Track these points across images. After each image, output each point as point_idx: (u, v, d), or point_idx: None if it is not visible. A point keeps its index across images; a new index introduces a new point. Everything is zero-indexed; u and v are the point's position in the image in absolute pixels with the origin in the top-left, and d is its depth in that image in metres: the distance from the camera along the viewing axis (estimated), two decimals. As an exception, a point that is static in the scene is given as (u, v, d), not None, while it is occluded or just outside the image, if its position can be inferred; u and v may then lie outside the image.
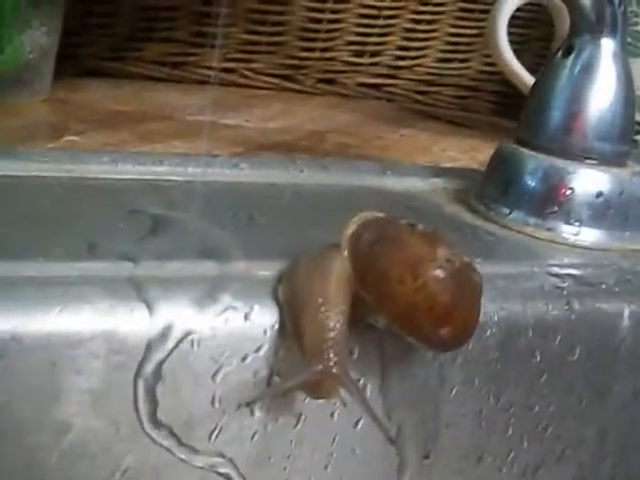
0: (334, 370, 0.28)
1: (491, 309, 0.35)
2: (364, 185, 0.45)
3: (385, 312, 0.30)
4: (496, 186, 0.43)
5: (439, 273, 0.29)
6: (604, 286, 0.37)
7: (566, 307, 0.36)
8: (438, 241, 0.30)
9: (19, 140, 0.45)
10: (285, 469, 0.33)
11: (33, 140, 0.45)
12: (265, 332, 0.31)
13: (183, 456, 0.31)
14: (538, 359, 0.36)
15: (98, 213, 0.36)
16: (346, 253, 0.31)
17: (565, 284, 0.37)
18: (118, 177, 0.40)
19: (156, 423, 0.30)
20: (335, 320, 0.29)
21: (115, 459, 0.30)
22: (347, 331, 0.30)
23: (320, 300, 0.29)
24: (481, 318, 0.34)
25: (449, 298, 0.30)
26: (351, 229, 0.31)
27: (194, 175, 0.42)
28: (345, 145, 0.56)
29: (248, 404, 0.31)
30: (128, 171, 0.41)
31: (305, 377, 0.29)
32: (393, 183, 0.46)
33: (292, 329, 0.30)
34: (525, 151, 0.42)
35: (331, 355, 0.28)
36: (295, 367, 0.30)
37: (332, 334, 0.29)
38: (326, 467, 0.33)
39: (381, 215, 0.32)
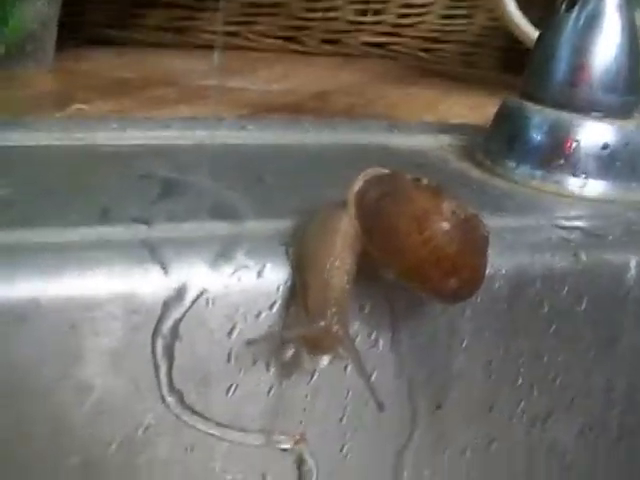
0: (334, 329, 0.29)
1: (499, 262, 0.35)
2: (371, 143, 0.45)
3: (393, 266, 0.31)
4: (502, 141, 0.43)
5: (445, 225, 0.30)
6: (611, 237, 0.38)
7: (573, 258, 0.36)
8: (443, 194, 0.31)
9: (27, 111, 0.45)
10: (301, 422, 0.34)
11: (40, 110, 0.46)
12: (278, 289, 0.32)
13: (201, 412, 0.32)
14: (546, 310, 0.36)
15: (109, 179, 0.36)
16: (353, 210, 0.31)
17: (572, 236, 0.37)
18: (127, 143, 0.41)
19: (174, 381, 0.31)
20: (339, 280, 0.30)
21: (136, 416, 0.31)
22: (351, 291, 0.30)
23: (325, 260, 0.30)
24: (489, 271, 0.35)
25: (456, 249, 0.30)
26: (357, 186, 0.32)
27: (201, 138, 0.42)
28: (351, 105, 0.56)
29: (249, 342, 0.31)
30: (136, 137, 0.41)
31: (305, 332, 0.30)
32: (400, 141, 0.46)
33: (298, 287, 0.31)
34: (530, 105, 0.42)
35: (333, 314, 0.29)
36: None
37: (335, 294, 0.29)
38: (341, 419, 0.34)
39: (386, 171, 0.32)
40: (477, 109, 0.57)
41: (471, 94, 0.65)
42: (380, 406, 0.29)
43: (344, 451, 0.35)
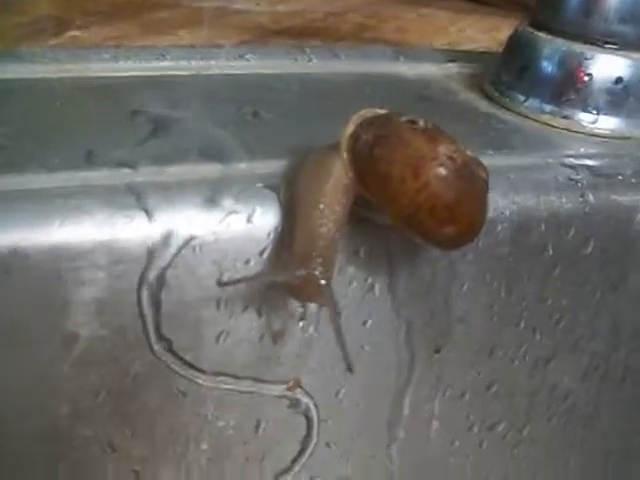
0: (318, 278, 0.28)
1: (502, 204, 0.34)
2: (376, 72, 0.43)
3: (388, 213, 0.30)
4: (511, 72, 0.41)
5: (441, 171, 0.28)
6: (620, 177, 0.36)
7: (580, 200, 0.35)
8: (439, 138, 0.29)
9: (23, 37, 0.44)
10: (294, 368, 0.33)
11: (37, 36, 0.44)
12: (268, 235, 0.30)
13: (190, 361, 0.31)
14: (551, 253, 0.35)
15: (99, 116, 0.35)
16: (345, 155, 0.30)
17: (579, 176, 0.35)
18: (120, 75, 0.39)
19: (162, 329, 0.30)
20: (327, 228, 0.29)
21: (124, 365, 0.30)
22: (340, 240, 0.29)
23: (315, 207, 0.29)
24: (492, 213, 0.34)
25: (452, 196, 0.29)
26: (350, 129, 0.30)
27: (198, 69, 0.41)
28: (360, 27, 0.54)
29: (225, 284, 0.30)
30: (130, 68, 0.40)
31: (289, 278, 0.29)
32: (407, 69, 0.44)
33: (286, 231, 0.30)
34: (542, 35, 0.39)
35: (318, 263, 0.28)
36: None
37: (322, 242, 0.28)
38: (336, 365, 0.34)
39: (381, 112, 0.31)
40: (490, 32, 0.55)
41: (485, 16, 0.62)
42: (349, 368, 0.28)
43: (340, 396, 0.34)
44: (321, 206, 0.29)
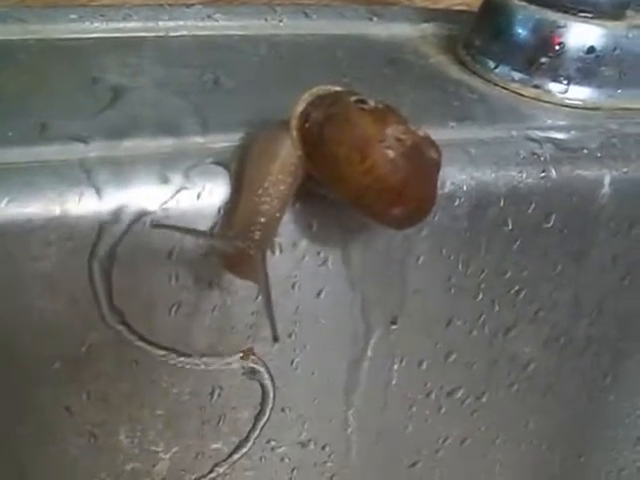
0: (252, 252, 0.28)
1: (460, 179, 0.34)
2: (348, 34, 0.43)
3: (337, 193, 0.30)
4: (484, 37, 0.40)
5: (388, 153, 0.28)
6: (585, 151, 0.36)
7: (542, 175, 0.35)
8: (388, 119, 0.29)
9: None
10: (248, 338, 0.34)
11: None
12: (219, 211, 0.31)
13: (143, 333, 0.32)
14: (510, 227, 0.35)
15: (58, 83, 0.35)
16: (295, 133, 0.30)
17: (542, 150, 0.35)
18: (86, 36, 0.39)
19: (114, 303, 0.31)
20: (270, 206, 0.29)
21: (78, 336, 0.31)
22: (281, 218, 0.29)
23: (259, 184, 0.29)
24: (449, 188, 0.34)
25: (399, 179, 0.29)
26: (300, 107, 0.30)
27: (166, 29, 0.40)
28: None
29: (157, 226, 0.30)
30: (96, 29, 0.39)
31: (222, 244, 0.30)
32: (379, 31, 0.43)
33: (231, 203, 0.30)
34: (515, 1, 0.39)
35: (255, 237, 0.28)
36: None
37: (262, 219, 0.29)
38: (290, 335, 0.34)
39: (333, 90, 0.30)
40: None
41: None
42: (275, 338, 0.28)
43: (294, 365, 0.35)
44: (266, 184, 0.29)
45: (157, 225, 0.30)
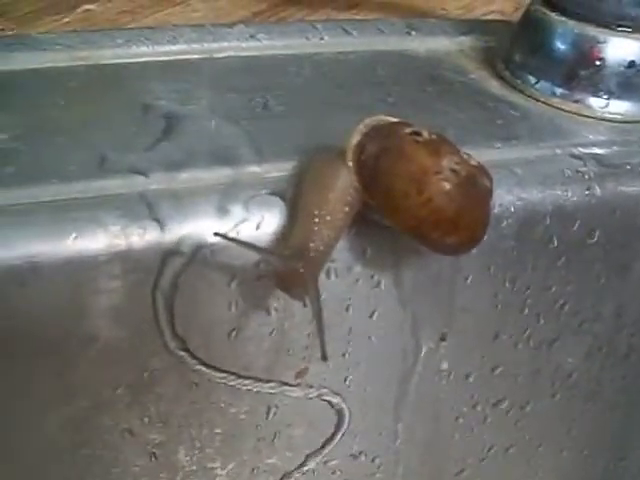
0: (305, 274, 0.29)
1: (508, 200, 0.34)
2: (387, 50, 0.43)
3: (393, 223, 0.31)
4: (523, 52, 0.40)
5: (444, 185, 0.29)
6: (628, 167, 0.36)
7: (586, 192, 0.35)
8: (443, 150, 0.30)
9: (36, 11, 0.44)
10: (304, 358, 0.35)
11: (49, 10, 0.44)
12: (278, 240, 0.31)
13: (203, 357, 0.33)
14: (555, 244, 0.36)
15: (110, 112, 0.36)
16: (351, 164, 0.30)
17: (586, 168, 0.36)
18: (132, 60, 0.39)
19: (176, 331, 0.32)
20: (325, 232, 0.30)
21: (141, 362, 0.32)
22: (335, 245, 0.30)
23: (316, 210, 0.30)
24: (497, 209, 0.34)
25: (455, 210, 0.29)
26: (355, 139, 0.30)
27: (210, 51, 0.41)
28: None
29: (218, 234, 0.30)
30: (143, 53, 0.40)
31: (277, 261, 0.30)
32: (418, 45, 0.44)
33: (288, 226, 0.31)
34: (554, 16, 0.39)
35: (308, 259, 0.29)
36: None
37: (317, 243, 0.29)
38: (344, 354, 0.35)
39: (386, 121, 0.31)
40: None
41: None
42: (324, 357, 0.29)
43: (347, 382, 0.36)
44: (322, 212, 0.30)
45: (218, 234, 0.30)
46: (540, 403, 0.40)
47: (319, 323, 0.30)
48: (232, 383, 0.34)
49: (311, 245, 0.30)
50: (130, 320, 0.31)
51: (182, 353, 0.32)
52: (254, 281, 0.32)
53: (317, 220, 0.30)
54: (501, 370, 0.38)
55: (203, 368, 0.33)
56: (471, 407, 0.39)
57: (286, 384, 0.35)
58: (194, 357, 0.32)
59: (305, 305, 0.31)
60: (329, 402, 0.36)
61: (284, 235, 0.31)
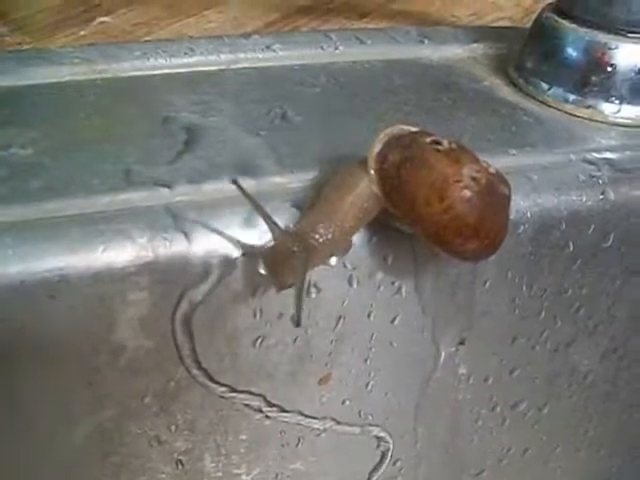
0: (295, 249, 0.29)
1: (524, 206, 0.35)
2: (401, 59, 0.44)
3: (415, 230, 0.31)
4: (536, 59, 0.41)
5: (465, 193, 0.30)
6: (641, 171, 0.37)
7: (601, 197, 0.36)
8: (463, 159, 0.30)
9: (52, 24, 0.44)
10: (327, 364, 0.35)
11: (65, 23, 0.45)
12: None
13: (229, 366, 0.33)
14: (571, 249, 0.37)
15: (132, 126, 0.36)
16: (372, 172, 0.31)
17: (600, 172, 0.36)
18: (150, 73, 0.40)
19: (202, 339, 0.32)
20: (331, 230, 0.30)
21: (167, 372, 0.33)
22: (336, 245, 0.31)
23: (330, 210, 0.30)
24: (514, 215, 0.35)
25: (476, 217, 0.30)
26: (377, 148, 0.31)
27: (227, 63, 0.41)
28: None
29: (235, 182, 0.31)
30: (161, 65, 0.40)
31: (280, 235, 0.30)
32: (431, 53, 0.45)
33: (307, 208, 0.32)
34: (565, 24, 0.40)
35: (307, 242, 0.30)
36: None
37: (319, 235, 0.30)
38: (366, 360, 0.36)
39: (407, 131, 0.32)
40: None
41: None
42: (297, 322, 0.29)
43: (369, 387, 0.36)
44: (336, 212, 0.30)
45: (235, 182, 0.31)
46: (557, 405, 0.41)
47: (299, 293, 0.30)
48: (258, 390, 0.34)
49: (313, 234, 0.30)
50: (156, 330, 0.31)
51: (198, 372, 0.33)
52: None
53: (328, 216, 0.31)
54: (519, 373, 0.39)
55: (230, 393, 0.34)
56: (490, 409, 0.40)
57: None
58: (214, 381, 0.33)
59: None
60: (350, 408, 0.37)
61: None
